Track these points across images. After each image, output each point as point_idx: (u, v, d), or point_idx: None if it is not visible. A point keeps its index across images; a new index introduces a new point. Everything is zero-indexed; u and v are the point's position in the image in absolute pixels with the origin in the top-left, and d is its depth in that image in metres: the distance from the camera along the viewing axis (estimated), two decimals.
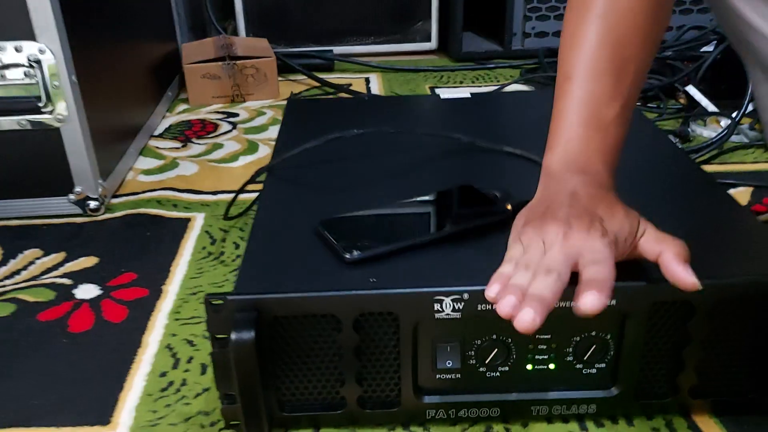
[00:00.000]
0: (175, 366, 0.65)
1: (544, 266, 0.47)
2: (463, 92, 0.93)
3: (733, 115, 1.09)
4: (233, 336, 0.50)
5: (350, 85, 1.41)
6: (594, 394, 0.57)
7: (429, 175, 0.71)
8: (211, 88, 1.31)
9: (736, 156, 1.06)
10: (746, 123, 1.13)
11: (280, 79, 1.40)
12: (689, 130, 1.11)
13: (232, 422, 0.57)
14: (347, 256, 0.55)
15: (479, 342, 0.54)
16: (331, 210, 0.63)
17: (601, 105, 0.54)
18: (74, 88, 0.85)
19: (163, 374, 0.64)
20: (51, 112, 0.85)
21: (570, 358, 0.56)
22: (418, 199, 0.64)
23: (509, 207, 0.61)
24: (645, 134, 0.79)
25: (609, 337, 0.55)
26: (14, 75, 0.83)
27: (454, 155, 0.75)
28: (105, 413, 0.60)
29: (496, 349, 0.55)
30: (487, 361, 0.55)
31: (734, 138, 1.10)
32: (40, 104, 0.85)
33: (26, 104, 0.85)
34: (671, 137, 1.07)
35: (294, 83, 1.44)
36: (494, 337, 0.54)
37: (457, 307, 0.52)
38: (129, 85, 1.12)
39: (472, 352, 0.55)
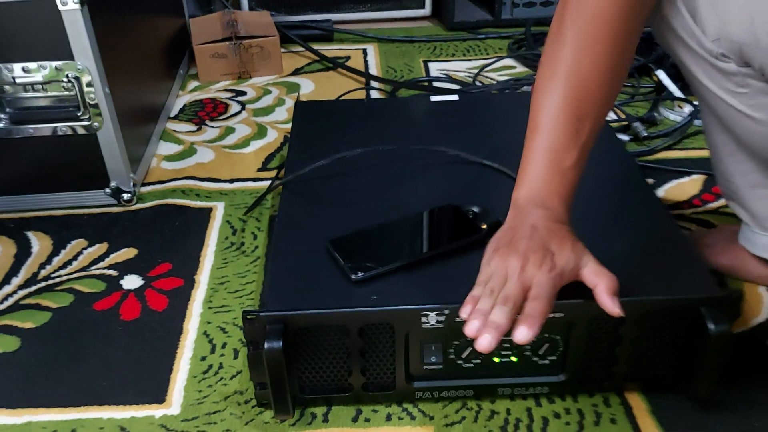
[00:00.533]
0: (212, 351, 0.81)
1: (503, 296, 0.60)
2: (452, 96, 1.04)
3: (695, 101, 1.21)
4: (266, 345, 0.65)
5: (348, 58, 1.51)
6: (547, 379, 0.72)
7: (420, 187, 0.84)
8: (219, 66, 1.41)
9: (696, 141, 1.19)
10: None
11: (282, 50, 1.50)
12: (656, 114, 1.23)
13: (263, 402, 0.73)
14: (353, 276, 0.69)
15: (457, 342, 0.69)
16: (339, 224, 0.77)
17: (561, 153, 0.66)
18: (108, 98, 0.96)
19: (203, 358, 0.80)
20: (88, 120, 0.97)
21: (528, 353, 0.71)
22: (412, 217, 0.78)
23: (484, 226, 0.75)
24: (610, 154, 0.91)
25: (559, 338, 0.70)
26: (55, 89, 0.95)
27: (442, 167, 0.88)
28: (160, 393, 0.76)
29: (470, 348, 0.70)
30: (463, 356, 0.70)
31: (697, 122, 1.22)
32: (78, 113, 0.96)
33: (66, 113, 0.97)
34: (638, 124, 1.18)
35: (296, 55, 1.54)
36: (469, 339, 0.69)
37: (439, 320, 0.67)
38: (149, 70, 1.22)
39: (452, 350, 0.70)
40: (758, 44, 0.61)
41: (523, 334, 0.57)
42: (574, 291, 0.66)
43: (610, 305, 0.61)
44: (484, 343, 0.58)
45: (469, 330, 0.59)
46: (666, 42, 0.70)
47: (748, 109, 0.67)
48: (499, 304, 0.60)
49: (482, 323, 0.59)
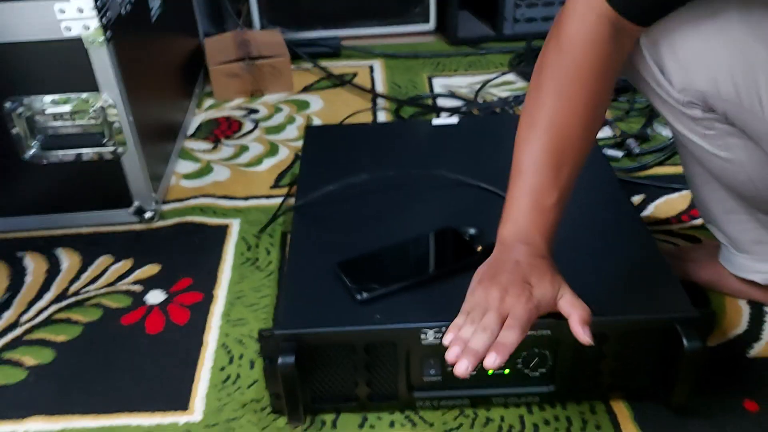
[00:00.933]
0: (230, 362, 0.88)
1: (482, 325, 0.65)
2: (452, 119, 1.11)
3: None
4: (280, 360, 0.72)
5: (356, 75, 1.58)
6: (537, 389, 0.79)
7: (421, 211, 0.91)
8: (233, 85, 1.48)
9: None
10: None
11: (293, 67, 1.57)
12: (648, 131, 1.29)
13: (278, 410, 0.80)
14: (358, 297, 0.76)
15: None
16: (347, 247, 0.83)
17: (542, 194, 0.70)
18: (131, 126, 1.04)
19: (222, 368, 0.87)
20: (113, 145, 1.04)
21: (520, 366, 0.77)
22: (411, 240, 0.84)
23: (480, 249, 0.82)
24: (593, 172, 0.97)
25: (547, 352, 0.76)
26: (82, 119, 1.02)
27: (442, 191, 0.94)
28: (183, 401, 0.83)
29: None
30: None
31: None
32: (104, 140, 1.04)
33: (93, 140, 1.04)
34: (631, 141, 1.24)
35: (306, 72, 1.61)
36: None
37: (437, 336, 0.73)
38: (168, 91, 1.30)
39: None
40: (719, 94, 0.67)
41: (491, 361, 0.62)
42: (559, 314, 0.73)
43: (581, 335, 0.65)
44: (462, 368, 0.62)
45: (449, 356, 0.64)
46: (639, 88, 0.76)
47: (716, 149, 0.73)
48: (478, 332, 0.64)
49: (461, 349, 0.64)
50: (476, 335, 0.64)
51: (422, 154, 1.04)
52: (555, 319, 0.68)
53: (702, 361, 0.72)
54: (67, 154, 1.05)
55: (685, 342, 0.71)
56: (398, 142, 1.06)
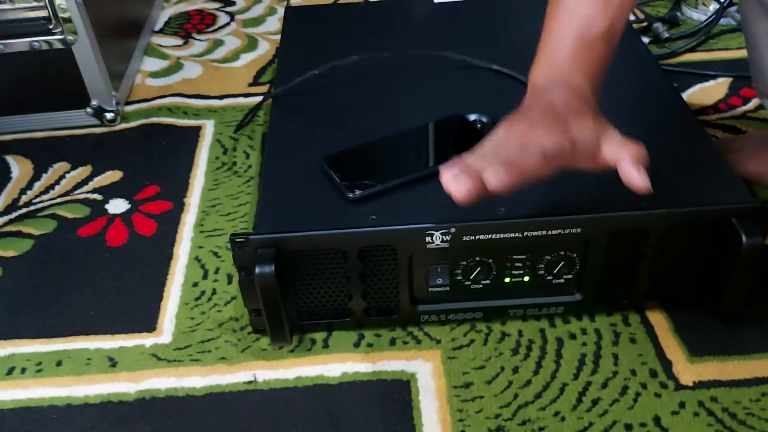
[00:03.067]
0: (204, 276, 0.76)
1: (496, 154, 0.51)
2: None
3: None
4: (257, 270, 0.59)
5: None
6: (561, 299, 0.67)
7: (423, 98, 0.77)
8: None
9: (722, 41, 1.10)
10: (735, 5, 1.15)
11: None
12: (678, 14, 1.13)
13: (259, 328, 0.69)
14: (350, 194, 0.63)
15: (465, 263, 0.64)
16: (334, 140, 0.70)
17: (588, 22, 0.57)
18: (80, 8, 0.88)
19: (195, 284, 0.75)
20: (61, 33, 0.89)
21: (542, 272, 0.66)
22: (411, 130, 0.71)
23: None
24: (633, 58, 0.83)
25: (575, 255, 0.64)
26: (25, 1, 0.86)
27: (446, 74, 0.80)
28: (150, 321, 0.71)
29: (479, 268, 0.65)
30: (471, 277, 0.65)
31: (723, 21, 1.13)
32: (50, 26, 0.89)
33: (37, 27, 0.89)
34: (659, 25, 1.09)
35: None
36: (477, 258, 0.64)
37: (445, 239, 0.61)
38: None
39: (459, 271, 0.65)
40: None
41: (496, 177, 0.48)
42: (592, 205, 0.61)
43: (636, 177, 0.50)
44: (459, 187, 0.48)
45: (444, 177, 0.50)
46: None
47: None
48: (489, 158, 0.51)
49: (460, 170, 0.49)
50: (490, 163, 0.50)
51: (423, 35, 0.89)
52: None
53: (760, 262, 0.60)
54: (10, 44, 0.90)
55: (743, 237, 0.59)
56: (394, 23, 0.91)
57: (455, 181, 0.49)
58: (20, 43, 0.90)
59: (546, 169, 0.52)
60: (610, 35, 0.58)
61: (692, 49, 1.08)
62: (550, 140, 0.51)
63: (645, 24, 1.11)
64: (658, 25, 1.09)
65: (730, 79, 1.00)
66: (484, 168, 0.49)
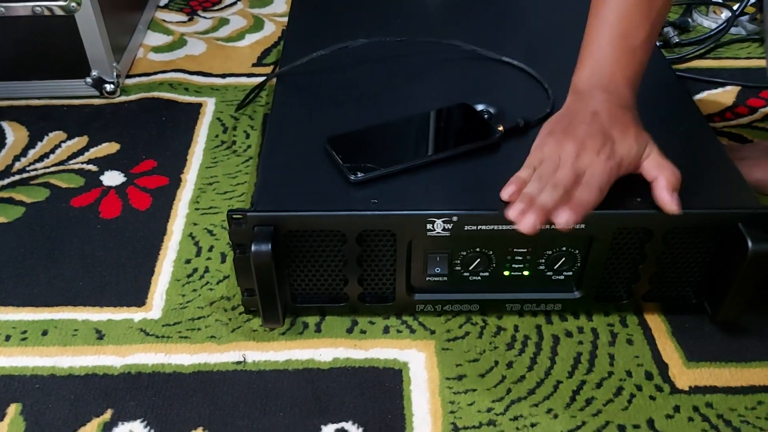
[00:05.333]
0: (197, 254, 0.74)
1: (554, 181, 0.55)
2: None
3: (735, 7, 1.10)
4: (253, 247, 0.58)
5: None
6: (560, 295, 0.66)
7: (431, 86, 0.76)
8: None
9: (731, 50, 1.09)
10: (747, 15, 1.14)
11: None
12: (689, 20, 1.13)
13: (251, 309, 0.67)
14: (352, 177, 0.62)
15: (464, 253, 0.63)
16: (338, 122, 0.69)
17: (631, 29, 0.59)
18: None
19: (188, 261, 0.74)
20: (64, 0, 0.88)
21: (542, 267, 0.64)
22: (417, 116, 0.70)
23: (501, 129, 0.67)
24: (652, 66, 0.82)
25: (577, 252, 0.63)
26: None
27: (455, 63, 0.79)
28: (140, 296, 0.70)
29: (478, 259, 0.63)
30: (470, 268, 0.64)
31: (733, 30, 1.12)
32: None
33: None
34: (669, 29, 1.08)
35: None
36: (477, 249, 0.63)
37: (446, 228, 0.60)
38: None
39: (458, 261, 0.64)
40: None
41: (565, 218, 0.52)
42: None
43: (668, 201, 0.56)
44: (528, 222, 0.52)
45: (512, 212, 0.54)
46: None
47: None
48: (548, 188, 0.54)
49: (527, 206, 0.53)
50: (546, 191, 0.54)
51: (434, 22, 0.87)
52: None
53: (764, 268, 0.60)
54: (11, 7, 0.88)
55: (750, 243, 0.58)
56: (406, 8, 0.90)
57: (524, 217, 0.53)
58: (21, 7, 0.88)
59: (602, 199, 0.55)
60: (650, 41, 0.60)
61: (701, 56, 1.07)
62: (602, 171, 0.55)
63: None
64: (669, 30, 1.09)
65: (738, 88, 1.00)
66: (547, 207, 0.53)
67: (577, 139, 0.56)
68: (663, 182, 0.56)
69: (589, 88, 0.59)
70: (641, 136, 0.57)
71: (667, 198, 0.56)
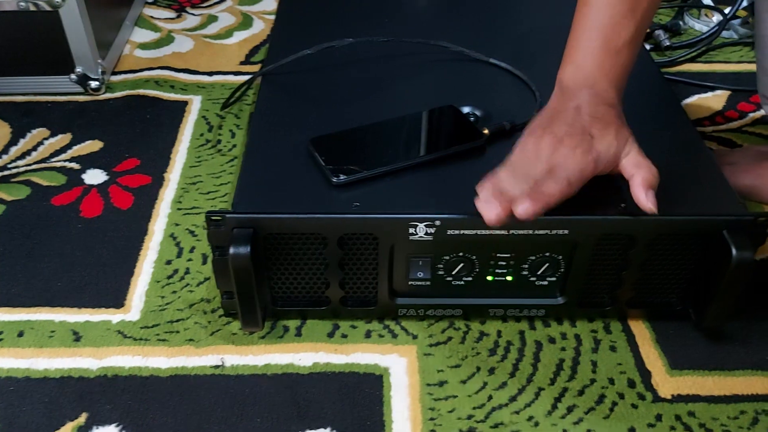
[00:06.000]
0: (179, 255, 0.73)
1: (525, 173, 0.55)
2: None
3: (726, 10, 1.10)
4: (231, 250, 0.57)
5: None
6: (543, 301, 0.66)
7: (417, 87, 0.75)
8: None
9: (722, 54, 1.08)
10: (739, 18, 1.13)
11: None
12: (680, 23, 1.12)
13: (231, 312, 0.67)
14: (334, 179, 0.61)
15: (447, 258, 0.62)
16: (322, 123, 0.68)
17: (615, 29, 0.58)
18: None
19: (169, 262, 0.73)
20: None
21: (525, 273, 0.64)
22: (403, 118, 0.69)
23: (486, 132, 0.66)
24: (636, 63, 0.81)
25: (561, 257, 0.62)
26: None
27: (443, 64, 0.78)
28: (119, 297, 0.69)
29: (462, 264, 0.63)
30: (453, 273, 0.63)
31: (725, 33, 1.12)
32: None
33: None
34: (660, 33, 1.08)
35: None
36: (461, 253, 0.62)
37: (429, 232, 0.59)
38: None
39: (441, 265, 0.63)
40: None
41: (523, 208, 0.52)
42: (581, 207, 0.59)
43: (644, 200, 0.56)
44: (491, 212, 0.53)
45: (478, 201, 0.55)
46: None
47: None
48: (518, 180, 0.55)
49: (494, 197, 0.54)
50: (514, 183, 0.55)
51: (422, 23, 0.86)
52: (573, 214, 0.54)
53: (748, 275, 0.59)
54: None
55: (734, 250, 0.57)
56: (394, 9, 0.89)
57: (487, 205, 0.53)
58: (6, 2, 0.87)
59: (570, 192, 0.55)
60: (636, 41, 0.59)
61: (692, 60, 1.07)
62: (575, 164, 0.55)
63: (647, 30, 1.10)
64: (660, 33, 1.08)
65: (728, 93, 0.99)
66: (514, 197, 0.53)
67: (556, 136, 0.56)
68: (639, 180, 0.56)
69: (573, 86, 0.59)
70: (621, 133, 0.57)
71: (642, 196, 0.56)
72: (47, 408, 0.59)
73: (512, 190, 0.54)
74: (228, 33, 1.10)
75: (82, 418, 0.58)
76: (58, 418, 0.58)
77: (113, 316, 0.67)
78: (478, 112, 0.70)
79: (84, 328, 0.66)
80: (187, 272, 0.72)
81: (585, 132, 0.56)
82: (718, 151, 0.87)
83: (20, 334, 0.65)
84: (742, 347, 0.65)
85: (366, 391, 0.61)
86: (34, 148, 0.87)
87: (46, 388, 0.61)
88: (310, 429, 0.58)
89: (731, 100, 0.98)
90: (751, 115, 0.95)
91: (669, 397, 0.61)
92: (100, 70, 0.94)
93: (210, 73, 1.01)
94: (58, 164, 0.84)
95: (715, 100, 0.97)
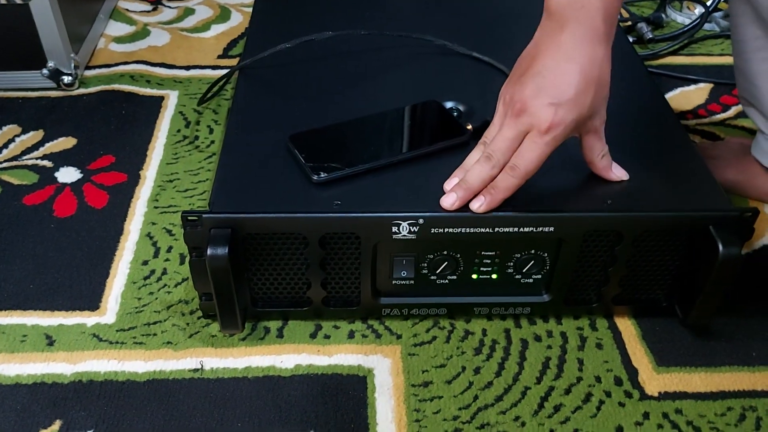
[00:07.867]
0: (155, 255, 0.72)
1: (487, 152, 0.57)
2: None
3: (708, 3, 1.09)
4: (209, 251, 0.55)
5: None
6: (529, 299, 0.65)
7: (399, 81, 0.73)
8: None
9: (704, 46, 1.08)
10: (721, 11, 1.13)
11: None
12: (663, 16, 1.12)
13: (210, 314, 0.65)
14: (314, 177, 0.59)
15: (431, 256, 0.61)
16: (302, 119, 0.66)
17: None
18: None
19: (145, 263, 0.71)
20: None
21: (510, 270, 0.63)
22: (385, 114, 0.67)
23: (470, 128, 0.65)
24: (619, 56, 0.80)
25: (546, 255, 0.61)
26: None
27: (426, 58, 0.77)
28: (94, 299, 0.67)
29: (446, 262, 0.61)
30: (437, 272, 0.62)
31: (707, 26, 1.11)
32: None
33: None
34: (642, 25, 1.07)
35: None
36: (445, 252, 0.61)
37: (412, 230, 0.58)
38: None
39: (425, 264, 0.62)
40: None
41: (477, 205, 0.57)
42: (566, 203, 0.58)
43: (616, 175, 0.60)
44: (447, 200, 0.57)
45: (446, 185, 0.59)
46: None
47: None
48: (481, 162, 0.57)
49: (457, 186, 0.57)
50: (477, 166, 0.57)
51: (405, 16, 0.85)
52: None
53: (735, 272, 0.58)
54: None
55: (720, 246, 0.57)
56: (374, 5, 0.87)
57: (446, 196, 0.57)
58: None
59: (530, 173, 0.56)
60: None
61: (674, 52, 1.06)
62: (537, 152, 0.54)
63: (629, 23, 1.09)
64: (642, 26, 1.07)
65: (711, 85, 0.99)
66: (476, 190, 0.57)
67: (522, 98, 0.54)
68: (606, 161, 0.59)
69: (561, 9, 0.55)
70: (599, 95, 0.55)
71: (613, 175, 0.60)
72: (19, 416, 0.57)
73: (472, 177, 0.56)
74: (205, 26, 1.08)
75: (56, 426, 0.56)
76: (31, 425, 0.56)
77: (88, 319, 0.65)
78: (461, 107, 0.69)
79: (57, 332, 0.64)
80: (164, 273, 0.70)
81: (556, 88, 0.53)
82: (701, 145, 0.86)
83: None
84: (728, 343, 0.65)
85: (350, 392, 0.60)
86: (5, 146, 0.84)
87: (18, 394, 0.59)
88: None
89: (714, 93, 0.97)
90: (734, 108, 0.94)
91: (656, 394, 0.60)
92: (73, 65, 0.91)
93: (187, 68, 0.98)
94: (30, 162, 0.82)
95: (697, 93, 0.97)
